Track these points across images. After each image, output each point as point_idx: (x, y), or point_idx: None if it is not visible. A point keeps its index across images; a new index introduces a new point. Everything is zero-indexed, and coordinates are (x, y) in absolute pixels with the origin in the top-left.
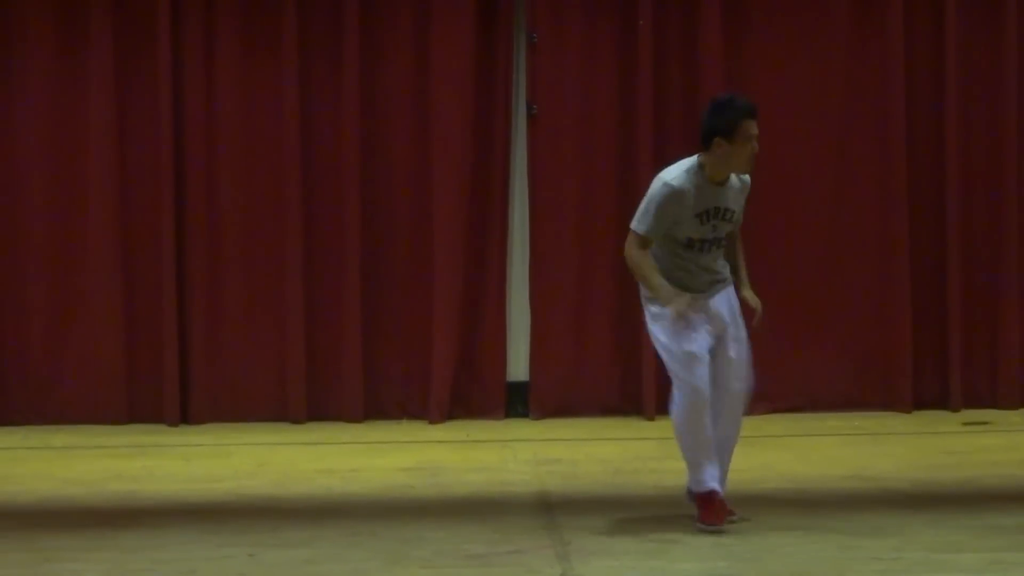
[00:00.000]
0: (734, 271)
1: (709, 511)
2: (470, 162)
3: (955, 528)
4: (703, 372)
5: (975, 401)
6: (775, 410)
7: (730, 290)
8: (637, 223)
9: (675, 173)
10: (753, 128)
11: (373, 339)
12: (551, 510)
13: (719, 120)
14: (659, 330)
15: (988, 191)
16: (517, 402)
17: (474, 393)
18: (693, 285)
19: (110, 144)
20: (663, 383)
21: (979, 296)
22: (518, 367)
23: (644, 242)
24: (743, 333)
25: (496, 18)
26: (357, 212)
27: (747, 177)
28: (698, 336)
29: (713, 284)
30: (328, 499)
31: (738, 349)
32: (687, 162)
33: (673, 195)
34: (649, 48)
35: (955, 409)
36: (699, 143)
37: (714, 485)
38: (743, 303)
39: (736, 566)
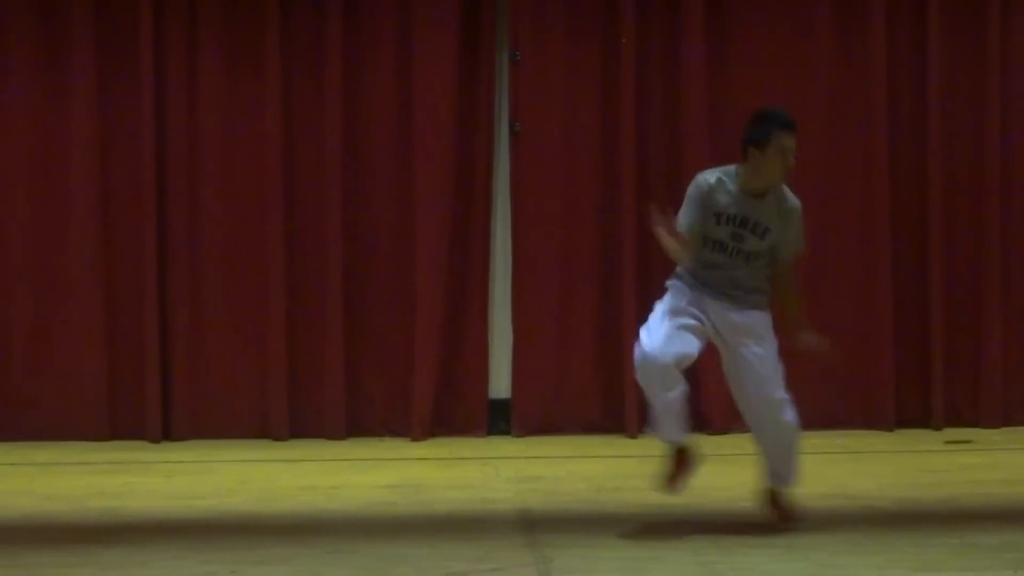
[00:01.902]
0: (787, 311)
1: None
2: (453, 179)
3: (937, 546)
4: (664, 344)
5: (957, 420)
6: None
7: (748, 317)
8: (679, 218)
9: (711, 171)
10: (787, 141)
11: (355, 356)
12: (533, 527)
13: (754, 130)
14: (658, 307)
15: (970, 210)
16: (499, 419)
17: (456, 410)
18: (710, 283)
19: (92, 161)
20: (645, 401)
21: (961, 315)
22: (500, 384)
23: (685, 240)
24: (763, 349)
25: (479, 35)
26: (339, 229)
27: (793, 203)
28: (678, 335)
29: (727, 296)
30: (310, 516)
31: (756, 363)
32: (727, 167)
33: (697, 187)
34: (632, 66)
35: (937, 427)
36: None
37: (672, 442)
38: (802, 344)
39: None
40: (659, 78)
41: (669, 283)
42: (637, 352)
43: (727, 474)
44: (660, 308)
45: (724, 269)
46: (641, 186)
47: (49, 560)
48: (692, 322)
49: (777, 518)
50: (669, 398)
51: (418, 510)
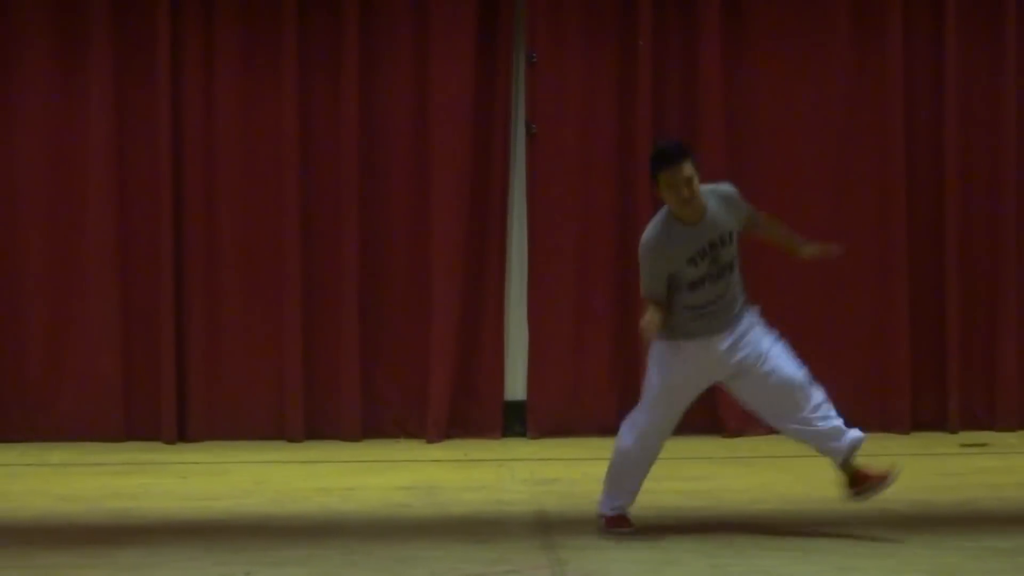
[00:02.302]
0: (783, 241)
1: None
2: (469, 181)
3: (952, 550)
4: (664, 419)
5: (973, 423)
6: (773, 431)
7: (743, 326)
8: (642, 289)
9: (649, 230)
10: (671, 175)
11: (371, 358)
12: (548, 530)
13: (650, 170)
14: (656, 371)
15: (987, 213)
16: (515, 421)
17: (472, 412)
18: (715, 327)
19: (109, 162)
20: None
21: (977, 318)
22: (516, 386)
23: (653, 304)
24: (771, 357)
25: (496, 38)
26: (355, 230)
27: (725, 191)
28: (682, 399)
29: (731, 318)
30: (325, 518)
31: (774, 369)
32: (660, 214)
33: (651, 250)
34: (648, 68)
35: (953, 431)
36: None
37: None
38: (809, 256)
39: None
40: (675, 80)
41: (661, 345)
42: (625, 436)
43: (742, 476)
44: (657, 389)
45: (719, 295)
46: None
47: (64, 561)
48: (690, 398)
49: (871, 487)
50: (638, 473)
51: (433, 512)
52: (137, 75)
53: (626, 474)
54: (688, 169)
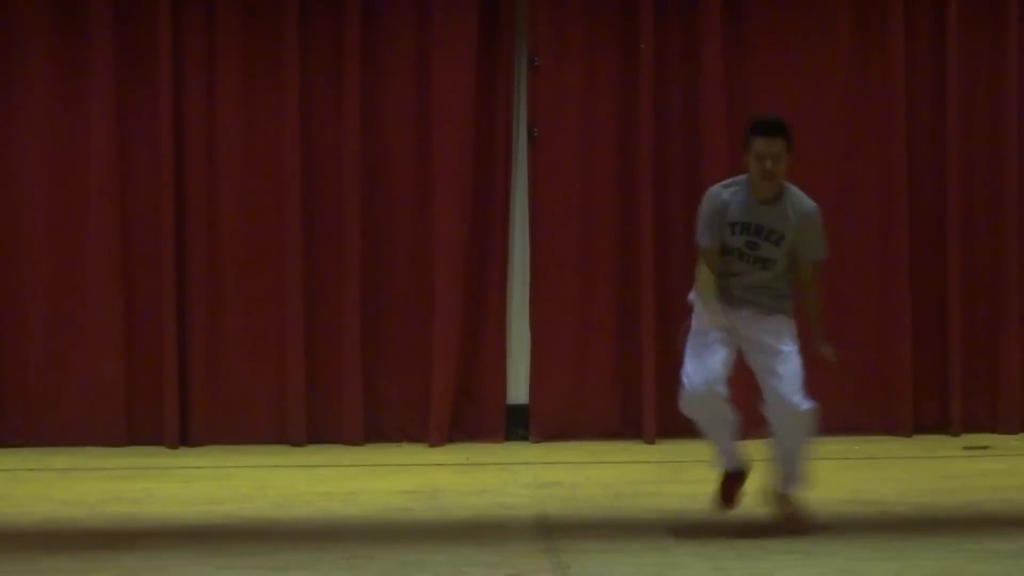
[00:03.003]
0: (806, 317)
1: (720, 489)
2: (471, 184)
3: (955, 552)
4: (698, 379)
5: (975, 426)
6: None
7: (771, 320)
8: (698, 238)
9: (720, 184)
10: (760, 145)
11: (373, 362)
12: (550, 533)
13: (744, 134)
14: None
15: (989, 216)
16: (517, 425)
17: (474, 416)
18: (732, 291)
19: (111, 164)
20: (663, 407)
21: (980, 321)
22: (518, 390)
23: (705, 254)
24: (781, 359)
25: (497, 41)
26: (357, 234)
27: (808, 207)
28: (712, 359)
29: (750, 303)
30: (327, 522)
31: (776, 373)
32: (741, 176)
33: (709, 200)
34: (650, 72)
35: (955, 434)
36: None
37: (726, 466)
38: (817, 352)
39: None
40: (677, 84)
41: (692, 298)
42: (681, 391)
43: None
44: (691, 347)
45: (744, 276)
46: (659, 192)
47: (67, 565)
48: (718, 335)
49: (785, 521)
50: (717, 426)
51: (435, 516)
52: (139, 79)
53: (708, 430)
54: (780, 146)
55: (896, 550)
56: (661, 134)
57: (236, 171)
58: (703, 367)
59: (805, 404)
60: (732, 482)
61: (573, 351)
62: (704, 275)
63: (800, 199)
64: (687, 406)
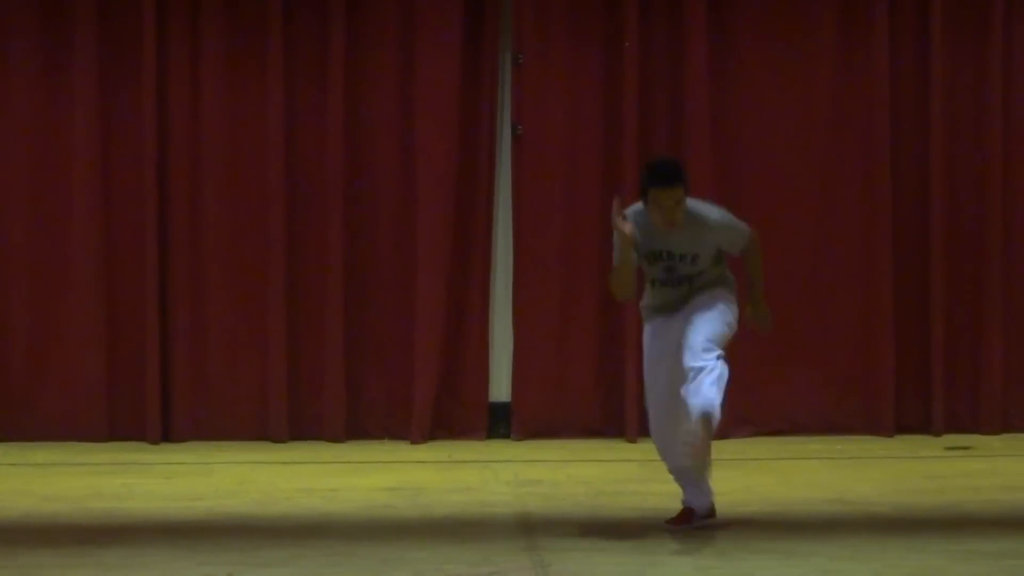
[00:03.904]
0: (753, 282)
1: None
2: (454, 181)
3: (936, 553)
4: (659, 397)
5: (957, 426)
6: (757, 433)
7: (708, 291)
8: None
9: (631, 208)
10: (660, 196)
11: (355, 359)
12: (532, 531)
13: (640, 181)
14: (644, 346)
15: (972, 217)
16: (499, 423)
17: (456, 413)
18: (668, 306)
19: (94, 162)
20: (645, 406)
21: (961, 322)
22: (500, 388)
23: (617, 270)
24: (705, 313)
25: (482, 38)
26: (341, 231)
27: (707, 217)
28: (664, 375)
29: (681, 305)
30: (309, 519)
31: (693, 324)
32: (639, 204)
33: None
34: (635, 70)
35: (937, 434)
36: None
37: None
38: (748, 316)
39: None
40: (662, 82)
41: (642, 306)
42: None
43: (725, 479)
44: (645, 363)
45: (674, 294)
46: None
47: (48, 561)
48: (666, 354)
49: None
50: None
51: (417, 513)
52: (123, 76)
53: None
54: (680, 193)
55: (877, 550)
56: (645, 132)
57: (220, 168)
58: (657, 387)
59: (710, 357)
60: (690, 515)
61: (555, 349)
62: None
63: (700, 216)
64: (654, 421)
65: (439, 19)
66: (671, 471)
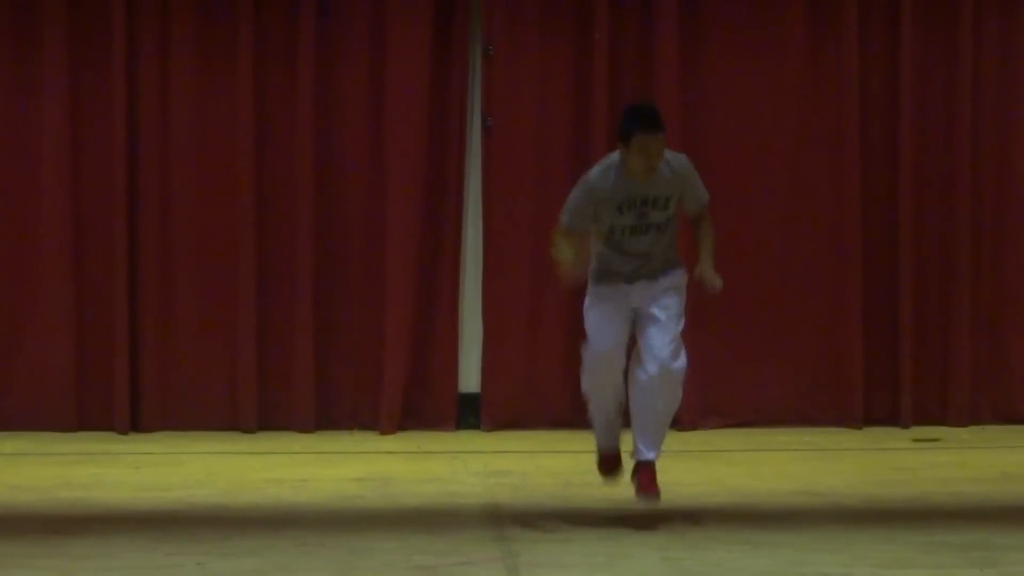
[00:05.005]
0: (698, 249)
1: (600, 468)
2: (424, 173)
3: (904, 544)
4: (606, 338)
5: (925, 418)
6: (725, 425)
7: (662, 279)
8: (562, 215)
9: (595, 169)
10: (648, 142)
11: (325, 349)
12: (501, 522)
13: (621, 126)
14: (587, 307)
15: (941, 209)
16: (468, 414)
17: (425, 404)
18: (619, 270)
19: (63, 153)
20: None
21: (930, 314)
22: (470, 379)
23: (564, 234)
24: (666, 314)
25: (452, 29)
26: (310, 222)
27: (680, 161)
28: (612, 326)
29: (639, 271)
30: (278, 509)
31: (658, 327)
32: (611, 158)
33: (589, 189)
34: (605, 61)
35: (905, 426)
36: None
37: (605, 451)
38: (700, 281)
39: None
40: (632, 74)
41: (589, 284)
42: (584, 357)
43: (695, 470)
44: (590, 317)
45: (636, 253)
46: None
47: (15, 550)
48: (614, 306)
49: (640, 491)
50: (609, 399)
51: (386, 503)
52: (92, 67)
53: (595, 415)
54: (662, 138)
55: (845, 541)
56: (615, 124)
57: (189, 157)
58: (605, 333)
59: (676, 361)
60: (610, 463)
61: (525, 340)
62: (560, 247)
63: (671, 158)
64: (591, 371)
65: (409, 10)
66: (600, 423)
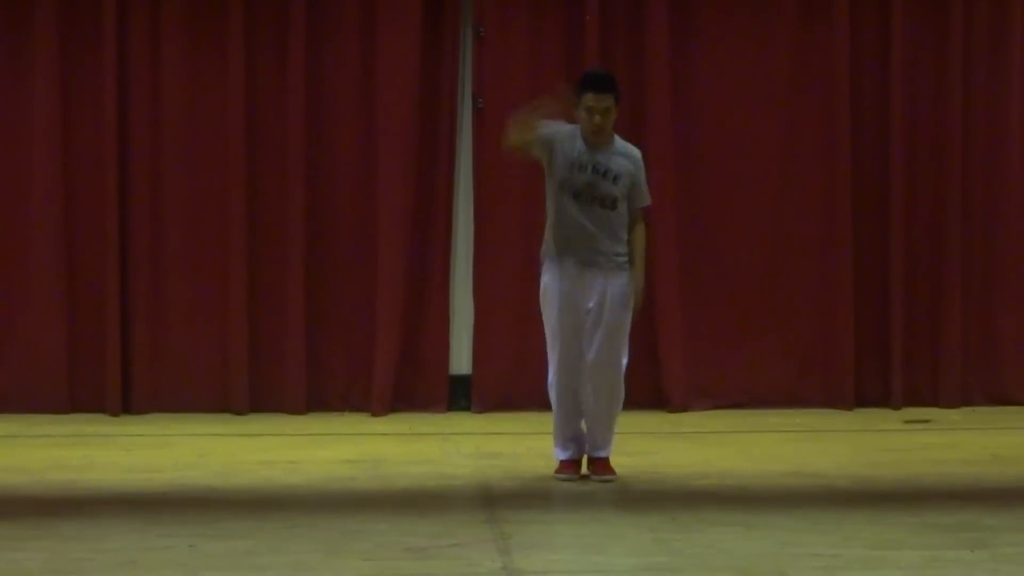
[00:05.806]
0: (631, 255)
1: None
2: (415, 154)
3: (895, 525)
4: (570, 356)
5: (916, 399)
6: (717, 406)
7: (616, 281)
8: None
9: (567, 126)
10: (591, 100)
11: (316, 331)
12: (492, 503)
13: (575, 88)
14: (544, 296)
15: (932, 192)
16: (460, 395)
17: (417, 386)
18: (575, 245)
19: (54, 137)
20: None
21: (921, 295)
22: (461, 360)
23: (532, 129)
24: (615, 320)
25: (443, 10)
26: (302, 205)
27: (635, 151)
28: (565, 316)
29: (595, 259)
30: (269, 491)
31: (603, 333)
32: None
33: (563, 125)
34: (595, 43)
35: (896, 407)
36: None
37: (561, 456)
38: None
39: (676, 561)
40: (622, 55)
41: (542, 261)
42: (550, 355)
43: (685, 452)
44: (548, 314)
45: (583, 227)
46: None
47: (7, 532)
48: (574, 315)
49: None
50: (571, 406)
51: (378, 485)
52: (83, 51)
53: (557, 416)
54: (609, 100)
55: (836, 523)
56: None
57: (180, 140)
58: (568, 342)
59: (622, 368)
60: (572, 466)
61: (516, 322)
62: (520, 128)
63: (628, 145)
64: (554, 386)
65: None
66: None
